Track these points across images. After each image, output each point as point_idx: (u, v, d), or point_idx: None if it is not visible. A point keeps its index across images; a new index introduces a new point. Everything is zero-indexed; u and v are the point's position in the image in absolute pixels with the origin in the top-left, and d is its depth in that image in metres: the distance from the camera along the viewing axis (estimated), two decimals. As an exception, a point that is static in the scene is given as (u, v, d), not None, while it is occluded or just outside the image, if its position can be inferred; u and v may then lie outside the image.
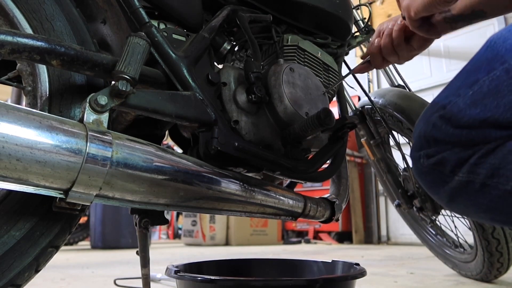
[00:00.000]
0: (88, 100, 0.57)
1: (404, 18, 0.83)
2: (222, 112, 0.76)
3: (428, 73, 3.89)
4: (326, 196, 1.00)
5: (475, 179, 0.54)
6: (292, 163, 0.81)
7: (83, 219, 4.06)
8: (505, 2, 0.76)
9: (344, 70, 1.16)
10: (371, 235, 4.21)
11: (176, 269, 0.70)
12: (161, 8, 0.79)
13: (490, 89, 0.52)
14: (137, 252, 0.89)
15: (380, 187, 4.10)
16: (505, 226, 0.61)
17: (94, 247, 3.70)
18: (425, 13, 0.75)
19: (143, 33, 0.66)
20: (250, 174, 0.84)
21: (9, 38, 0.54)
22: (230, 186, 0.72)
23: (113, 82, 0.59)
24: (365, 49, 1.46)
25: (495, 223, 0.60)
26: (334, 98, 1.05)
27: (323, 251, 3.10)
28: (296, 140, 0.81)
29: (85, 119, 0.56)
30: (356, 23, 1.28)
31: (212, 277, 0.64)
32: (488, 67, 0.53)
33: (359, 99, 1.60)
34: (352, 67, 1.26)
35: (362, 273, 0.70)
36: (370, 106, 1.48)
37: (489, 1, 0.79)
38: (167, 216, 0.89)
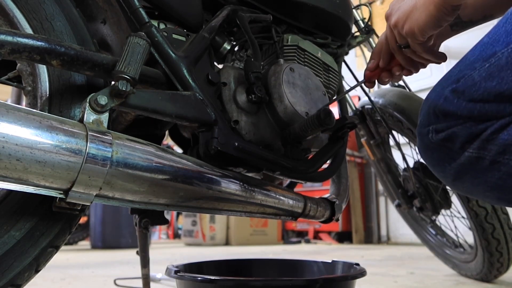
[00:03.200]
0: (88, 100, 0.57)
1: (404, 47, 0.74)
2: (222, 112, 0.76)
3: (428, 73, 3.88)
4: (326, 196, 1.00)
5: (485, 155, 0.52)
6: (292, 163, 0.81)
7: (83, 219, 4.06)
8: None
9: (344, 70, 1.17)
10: (371, 235, 4.20)
11: (176, 269, 0.70)
12: (161, 8, 0.79)
13: (509, 61, 0.49)
14: (137, 252, 0.89)
15: (380, 187, 4.10)
16: (511, 205, 0.59)
17: (94, 247, 3.70)
18: (434, 30, 0.66)
19: (143, 33, 0.66)
20: (250, 174, 0.84)
21: (9, 38, 0.54)
22: (230, 186, 0.72)
23: (113, 82, 0.59)
24: (365, 49, 1.46)
25: (502, 203, 0.58)
26: (334, 98, 1.05)
27: (323, 251, 3.10)
28: (296, 140, 0.81)
29: (85, 119, 0.56)
30: (356, 23, 1.28)
31: (212, 277, 0.64)
32: (507, 39, 0.51)
33: (359, 99, 1.60)
34: (352, 67, 1.26)
35: (362, 273, 0.70)
36: (370, 106, 1.48)
37: (498, 5, 0.76)
38: (167, 216, 0.89)
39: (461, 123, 0.53)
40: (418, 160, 1.41)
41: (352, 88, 0.92)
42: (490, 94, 0.50)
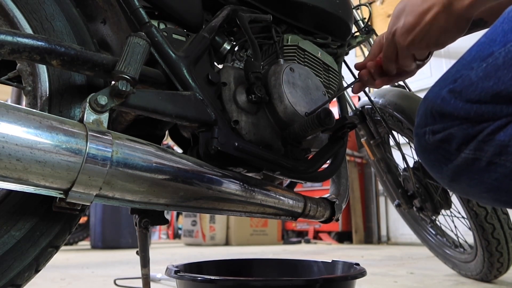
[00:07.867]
0: (88, 100, 0.57)
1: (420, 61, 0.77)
2: (222, 112, 0.76)
3: (428, 73, 3.88)
4: (326, 196, 1.00)
5: (482, 156, 0.52)
6: (292, 163, 0.81)
7: (83, 219, 4.06)
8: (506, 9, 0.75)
9: (344, 70, 1.17)
10: (371, 235, 4.20)
11: (176, 269, 0.70)
12: (161, 8, 0.79)
13: (506, 61, 0.49)
14: (137, 252, 0.89)
15: (380, 187, 4.10)
16: (507, 207, 0.59)
17: (94, 247, 3.70)
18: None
19: (143, 33, 0.66)
20: (250, 174, 0.84)
21: (9, 38, 0.54)
22: (230, 186, 0.72)
23: (113, 82, 0.59)
24: (365, 49, 1.46)
25: (498, 204, 0.58)
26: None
27: (323, 251, 3.10)
28: (296, 140, 0.81)
29: (85, 119, 0.56)
30: (356, 23, 1.28)
31: (212, 277, 0.64)
32: (504, 39, 0.51)
33: (359, 99, 1.60)
34: (352, 67, 1.26)
35: (362, 273, 0.70)
36: (370, 106, 1.48)
37: (488, 10, 0.76)
38: (167, 216, 0.89)
39: (458, 124, 0.53)
40: (418, 160, 1.41)
41: (348, 86, 0.92)
42: (487, 94, 0.50)
